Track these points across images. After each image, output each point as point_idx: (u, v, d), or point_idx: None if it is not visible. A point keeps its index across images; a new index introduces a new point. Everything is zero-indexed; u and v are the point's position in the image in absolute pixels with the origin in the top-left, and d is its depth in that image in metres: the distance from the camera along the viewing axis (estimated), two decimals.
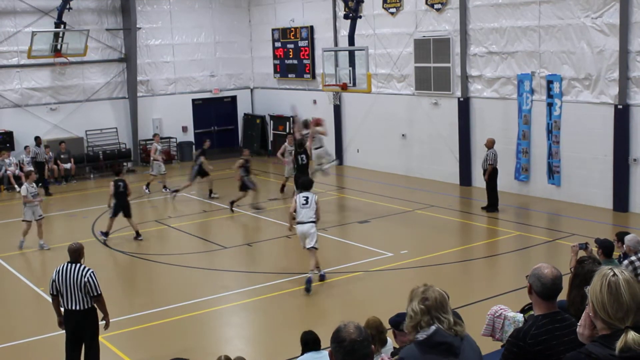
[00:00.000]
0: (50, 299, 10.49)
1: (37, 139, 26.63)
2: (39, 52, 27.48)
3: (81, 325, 10.17)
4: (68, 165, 27.55)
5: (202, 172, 23.44)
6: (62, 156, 27.47)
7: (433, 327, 4.43)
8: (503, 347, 5.58)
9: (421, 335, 4.44)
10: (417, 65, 24.96)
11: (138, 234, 18.70)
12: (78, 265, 10.12)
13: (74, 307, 10.06)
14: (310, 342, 7.98)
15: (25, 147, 26.50)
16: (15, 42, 27.83)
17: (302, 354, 7.94)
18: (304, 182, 15.48)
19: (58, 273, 10.08)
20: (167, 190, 24.47)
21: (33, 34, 27.09)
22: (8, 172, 26.29)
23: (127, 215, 18.72)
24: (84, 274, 10.01)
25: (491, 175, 19.94)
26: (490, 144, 20.10)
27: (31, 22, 27.87)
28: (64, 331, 10.39)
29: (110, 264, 17.31)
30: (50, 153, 26.49)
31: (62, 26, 27.80)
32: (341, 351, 4.18)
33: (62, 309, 10.25)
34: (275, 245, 18.26)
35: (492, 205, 20.12)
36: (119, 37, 30.08)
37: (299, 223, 14.54)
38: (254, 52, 33.09)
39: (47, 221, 19.99)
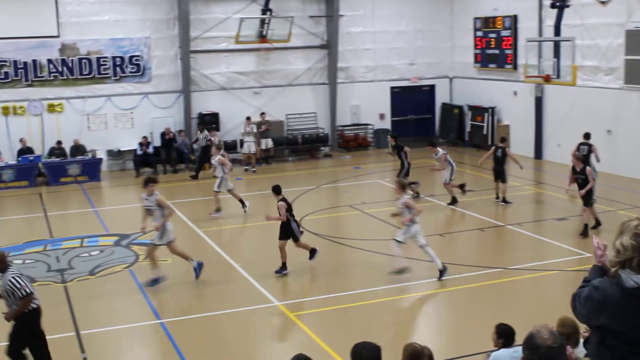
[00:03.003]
0: None
1: (200, 126, 27.60)
2: (245, 38, 28.68)
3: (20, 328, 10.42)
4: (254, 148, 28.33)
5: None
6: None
7: None
8: None
9: (629, 281, 4.14)
10: (628, 58, 23.61)
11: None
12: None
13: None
14: (509, 334, 7.85)
15: (210, 130, 27.67)
16: (225, 28, 29.10)
17: (500, 347, 7.81)
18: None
19: None
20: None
21: (241, 20, 28.28)
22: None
23: None
24: (6, 281, 10.16)
25: None
26: None
27: (240, 8, 29.01)
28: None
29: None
30: (214, 139, 27.11)
31: (269, 13, 28.80)
32: (535, 358, 4.03)
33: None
34: (468, 238, 18.00)
35: None
36: (322, 24, 30.69)
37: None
38: (454, 41, 32.68)
39: (248, 200, 20.79)
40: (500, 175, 20.76)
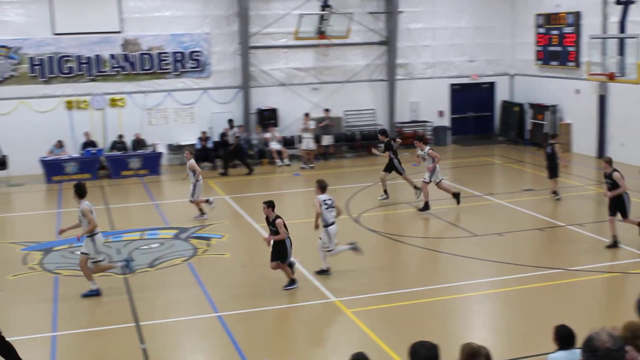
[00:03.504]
0: None
1: (230, 122, 27.55)
2: (305, 34, 28.75)
3: None
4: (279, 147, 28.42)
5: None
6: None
7: None
8: None
9: None
10: None
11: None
12: None
13: None
14: (568, 336, 7.69)
15: (240, 126, 27.72)
16: (284, 24, 29.20)
17: (557, 350, 7.67)
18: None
19: None
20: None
21: (300, 16, 28.35)
22: (271, 146, 27.98)
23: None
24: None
25: None
26: None
27: (299, 5, 29.07)
28: None
29: (359, 241, 17.71)
30: (239, 134, 27.09)
31: (328, 9, 28.80)
32: None
33: None
34: (527, 237, 17.75)
35: None
36: (381, 20, 30.58)
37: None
38: (515, 38, 32.24)
39: (305, 196, 20.84)
40: (550, 170, 20.85)
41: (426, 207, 19.78)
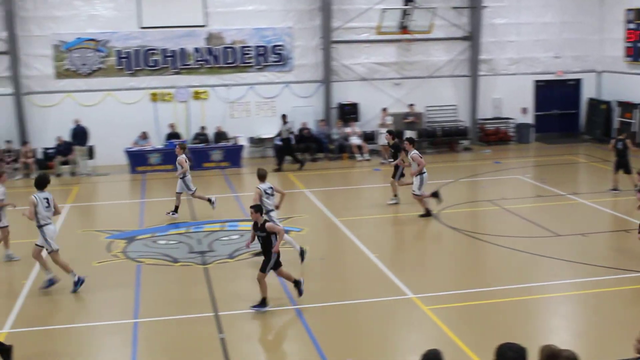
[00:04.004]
0: None
1: (284, 117, 27.40)
2: (387, 29, 28.68)
3: None
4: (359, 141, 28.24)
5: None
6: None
7: None
8: None
9: None
10: None
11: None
12: None
13: None
14: None
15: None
16: (367, 18, 29.13)
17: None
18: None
19: None
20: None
21: (383, 11, 28.26)
22: (352, 141, 28.00)
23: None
24: None
25: None
26: None
27: None
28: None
29: (440, 239, 17.57)
30: (292, 129, 27.07)
31: (411, 4, 28.59)
32: None
33: None
34: (612, 239, 17.28)
35: None
36: (464, 15, 30.20)
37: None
38: (603, 34, 31.38)
39: (385, 192, 20.76)
40: (622, 166, 20.96)
41: (428, 213, 18.94)
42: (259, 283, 12.87)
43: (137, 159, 26.42)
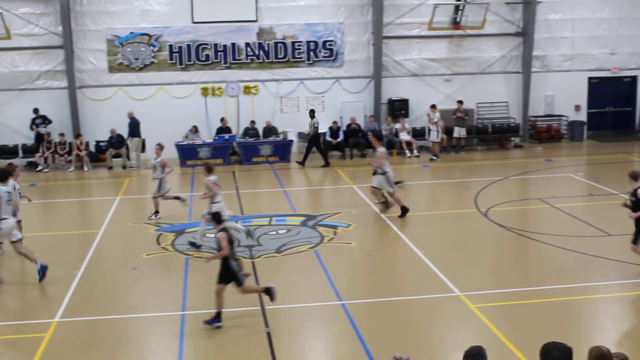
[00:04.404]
0: None
1: (312, 112, 26.87)
2: (439, 24, 28.47)
3: None
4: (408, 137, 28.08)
5: None
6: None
7: None
8: None
9: None
10: None
11: None
12: None
13: None
14: None
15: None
16: (418, 14, 28.96)
17: None
18: None
19: None
20: None
21: (435, 6, 28.05)
22: (401, 137, 27.91)
23: None
24: None
25: None
26: None
27: None
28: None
29: (489, 237, 17.41)
30: (316, 125, 26.70)
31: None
32: None
33: None
34: None
35: None
36: (518, 10, 29.82)
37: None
38: None
39: (433, 188, 20.63)
40: None
41: (404, 211, 18.65)
42: (217, 296, 12.07)
43: (187, 153, 26.68)
